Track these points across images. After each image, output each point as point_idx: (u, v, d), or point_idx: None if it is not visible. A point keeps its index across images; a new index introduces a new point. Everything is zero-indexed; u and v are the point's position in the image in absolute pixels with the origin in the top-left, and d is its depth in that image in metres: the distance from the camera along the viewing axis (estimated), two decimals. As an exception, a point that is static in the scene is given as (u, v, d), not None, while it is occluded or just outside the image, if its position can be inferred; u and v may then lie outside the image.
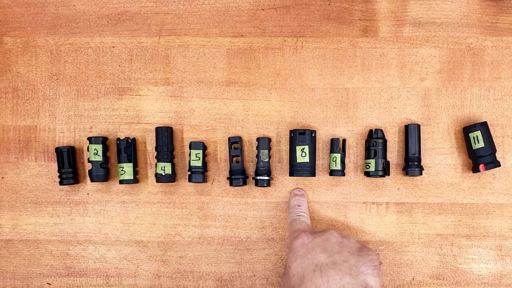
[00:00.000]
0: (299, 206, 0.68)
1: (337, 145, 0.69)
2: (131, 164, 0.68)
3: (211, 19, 0.71)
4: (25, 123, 0.71)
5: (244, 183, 0.69)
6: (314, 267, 0.57)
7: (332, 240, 0.61)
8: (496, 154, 0.68)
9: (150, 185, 0.71)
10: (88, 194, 0.71)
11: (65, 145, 0.71)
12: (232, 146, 0.70)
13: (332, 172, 0.69)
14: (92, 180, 0.69)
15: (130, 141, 0.69)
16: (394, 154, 0.70)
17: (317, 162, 0.70)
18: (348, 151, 0.70)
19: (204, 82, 0.71)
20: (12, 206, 0.71)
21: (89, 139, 0.69)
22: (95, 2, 0.72)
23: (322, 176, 0.70)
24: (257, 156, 0.69)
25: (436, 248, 0.70)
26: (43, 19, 0.72)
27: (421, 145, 0.69)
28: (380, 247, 0.70)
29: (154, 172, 0.70)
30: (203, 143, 0.69)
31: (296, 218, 0.67)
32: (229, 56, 0.71)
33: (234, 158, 0.70)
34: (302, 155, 0.67)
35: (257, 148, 0.69)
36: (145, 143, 0.71)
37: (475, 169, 0.67)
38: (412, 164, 0.68)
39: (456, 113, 0.70)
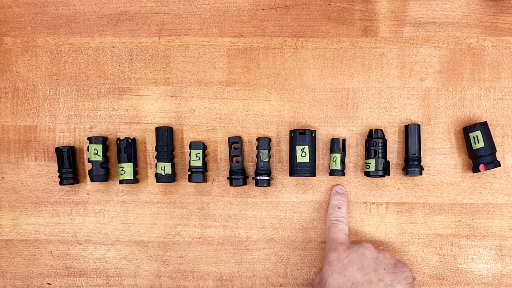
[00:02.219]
0: (339, 208, 0.67)
1: (337, 145, 0.69)
2: (131, 164, 0.68)
3: (211, 19, 0.71)
4: (25, 123, 0.71)
5: (244, 183, 0.69)
6: (350, 285, 0.59)
7: (368, 255, 0.61)
8: (496, 154, 0.68)
9: (150, 185, 0.71)
10: (88, 194, 0.71)
11: (65, 145, 0.71)
12: (232, 146, 0.70)
13: (332, 172, 0.69)
14: (92, 180, 0.69)
15: (130, 141, 0.69)
16: (394, 154, 0.70)
17: (317, 162, 0.70)
18: (348, 151, 0.70)
19: (204, 82, 0.71)
20: (12, 206, 0.71)
21: (89, 139, 0.69)
22: (95, 2, 0.72)
23: (322, 176, 0.70)
24: (257, 156, 0.69)
25: (436, 248, 0.70)
26: (43, 19, 0.72)
27: (421, 145, 0.69)
28: (380, 247, 0.70)
29: (154, 172, 0.70)
30: (203, 143, 0.69)
31: (334, 223, 0.66)
32: (229, 56, 0.71)
33: (234, 158, 0.70)
34: (302, 155, 0.67)
35: (257, 148, 0.69)
36: (145, 143, 0.71)
37: (475, 169, 0.67)
38: (412, 164, 0.68)
39: (456, 113, 0.70)
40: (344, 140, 0.70)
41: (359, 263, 0.60)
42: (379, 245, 0.70)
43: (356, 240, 0.68)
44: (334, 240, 0.64)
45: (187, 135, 0.71)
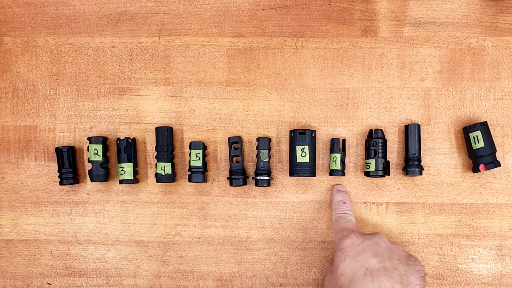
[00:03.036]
0: (344, 203, 0.67)
1: (337, 145, 0.69)
2: (131, 164, 0.68)
3: (211, 19, 0.71)
4: (25, 123, 0.71)
5: (244, 183, 0.69)
6: (365, 270, 0.58)
7: (382, 245, 0.61)
8: (496, 154, 0.68)
9: (150, 185, 0.71)
10: (88, 194, 0.71)
11: (65, 145, 0.71)
12: (232, 146, 0.70)
13: (332, 172, 0.69)
14: (92, 180, 0.69)
15: (130, 141, 0.69)
16: (394, 154, 0.70)
17: (317, 162, 0.70)
18: (348, 151, 0.70)
19: (204, 82, 0.71)
20: (12, 206, 0.71)
21: (89, 139, 0.69)
22: (95, 2, 0.72)
23: (322, 176, 0.70)
24: (257, 156, 0.69)
25: (436, 248, 0.70)
26: (43, 19, 0.72)
27: (421, 145, 0.69)
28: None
29: (154, 172, 0.70)
30: (203, 143, 0.69)
31: (342, 215, 0.66)
32: (229, 56, 0.71)
33: (234, 158, 0.70)
34: (302, 155, 0.67)
35: (257, 148, 0.69)
36: (145, 143, 0.71)
37: (475, 169, 0.67)
38: (412, 164, 0.68)
39: (456, 113, 0.70)
40: (344, 140, 0.70)
41: (373, 250, 0.60)
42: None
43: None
44: (346, 229, 0.63)
45: (187, 135, 0.71)
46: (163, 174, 0.68)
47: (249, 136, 0.71)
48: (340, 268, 0.59)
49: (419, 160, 0.68)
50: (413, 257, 0.61)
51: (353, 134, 0.70)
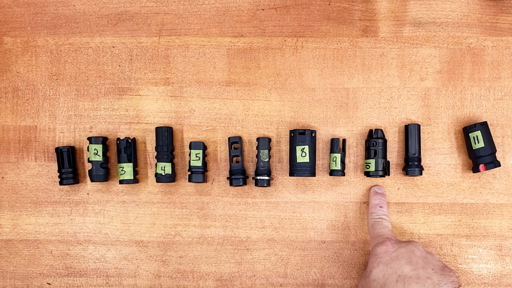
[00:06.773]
0: (380, 207, 0.67)
1: (337, 145, 0.69)
2: (131, 164, 0.68)
3: (211, 19, 0.71)
4: (25, 123, 0.71)
5: (244, 183, 0.69)
6: (397, 277, 0.58)
7: (417, 253, 0.60)
8: (496, 154, 0.68)
9: (150, 185, 0.71)
10: (88, 194, 0.71)
11: (65, 145, 0.71)
12: (232, 146, 0.70)
13: (332, 172, 0.69)
14: (92, 180, 0.69)
15: (130, 141, 0.69)
16: (394, 154, 0.70)
17: (317, 162, 0.70)
18: (348, 151, 0.70)
19: (204, 82, 0.71)
20: (12, 206, 0.71)
21: (89, 139, 0.69)
22: (95, 2, 0.72)
23: (322, 176, 0.70)
24: (257, 156, 0.69)
25: (436, 248, 0.70)
26: (43, 19, 0.72)
27: (421, 145, 0.69)
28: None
29: (154, 172, 0.70)
30: (203, 143, 0.69)
31: (378, 220, 0.66)
32: (229, 56, 0.71)
33: (234, 158, 0.70)
34: (302, 155, 0.67)
35: (257, 148, 0.69)
36: (145, 143, 0.71)
37: (475, 169, 0.67)
38: (412, 164, 0.68)
39: (456, 113, 0.70)
40: (344, 140, 0.70)
41: (408, 258, 0.59)
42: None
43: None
44: (381, 236, 0.63)
45: (187, 135, 0.71)
46: (163, 174, 0.68)
47: (249, 136, 0.71)
48: (373, 274, 0.60)
49: (419, 160, 0.68)
50: (448, 267, 0.61)
51: (353, 134, 0.70)
